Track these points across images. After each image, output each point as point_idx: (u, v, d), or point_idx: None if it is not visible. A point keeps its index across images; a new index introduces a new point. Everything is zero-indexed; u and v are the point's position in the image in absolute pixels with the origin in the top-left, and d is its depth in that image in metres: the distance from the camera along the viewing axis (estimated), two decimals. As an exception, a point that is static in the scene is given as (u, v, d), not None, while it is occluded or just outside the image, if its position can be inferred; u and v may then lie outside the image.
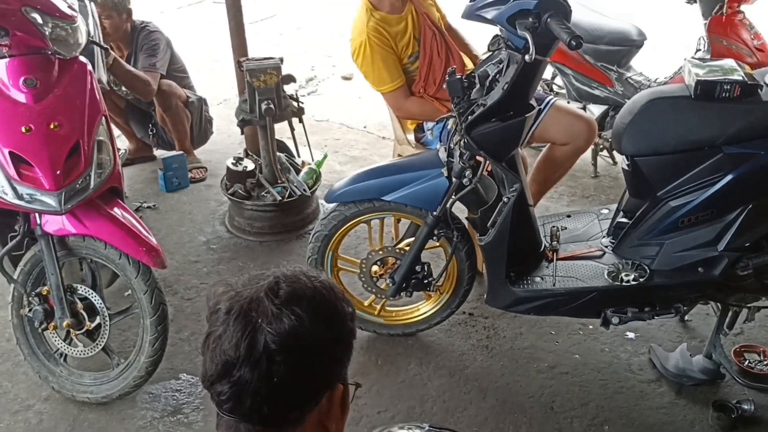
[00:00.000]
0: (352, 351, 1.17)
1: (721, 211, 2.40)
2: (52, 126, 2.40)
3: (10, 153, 2.37)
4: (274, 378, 1.04)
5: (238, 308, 1.07)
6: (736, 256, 2.41)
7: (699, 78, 2.32)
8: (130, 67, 4.02)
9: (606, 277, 2.54)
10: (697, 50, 3.93)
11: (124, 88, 4.20)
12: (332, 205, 2.82)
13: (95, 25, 3.22)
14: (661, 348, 2.87)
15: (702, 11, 3.89)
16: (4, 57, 2.44)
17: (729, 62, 2.44)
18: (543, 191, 3.26)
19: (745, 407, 2.54)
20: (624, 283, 2.50)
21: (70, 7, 2.60)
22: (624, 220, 2.64)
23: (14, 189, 2.38)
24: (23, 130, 2.37)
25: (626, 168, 2.52)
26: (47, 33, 2.46)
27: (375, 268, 2.85)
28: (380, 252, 2.84)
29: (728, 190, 2.35)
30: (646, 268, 2.52)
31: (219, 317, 1.09)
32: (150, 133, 4.43)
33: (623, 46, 4.02)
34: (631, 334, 3.01)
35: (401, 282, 2.74)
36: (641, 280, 2.49)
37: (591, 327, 3.05)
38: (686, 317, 3.03)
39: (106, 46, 3.45)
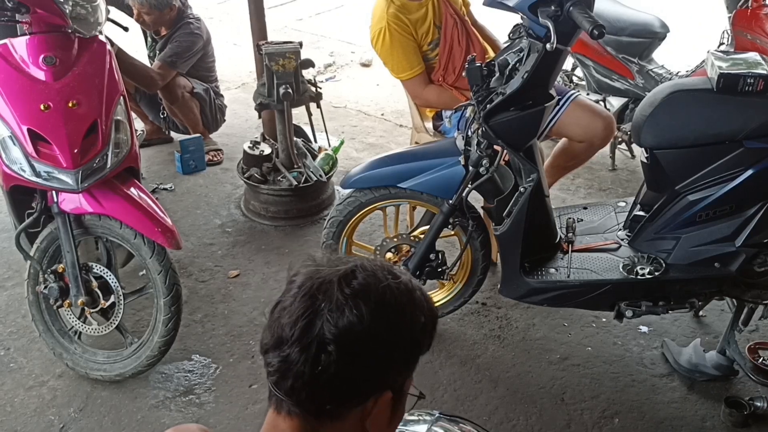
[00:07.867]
0: (415, 363, 1.13)
1: (739, 207, 2.38)
2: (70, 104, 2.41)
3: (29, 130, 2.39)
4: (319, 366, 1.03)
5: (309, 286, 1.06)
6: (753, 252, 2.39)
7: (722, 71, 2.29)
8: (135, 60, 4.00)
9: (621, 270, 2.52)
10: (721, 44, 3.87)
11: None
12: (348, 191, 2.81)
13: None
14: (675, 343, 2.85)
15: (726, 4, 3.84)
16: (25, 34, 2.46)
17: (753, 56, 2.41)
18: (555, 179, 3.26)
19: (758, 404, 2.52)
20: (639, 277, 2.48)
21: (91, -15, 2.61)
22: (641, 213, 2.62)
23: (32, 166, 2.41)
24: (42, 107, 2.39)
25: (645, 161, 2.50)
26: (68, 11, 2.47)
27: (389, 255, 2.84)
28: (395, 239, 2.84)
29: (748, 185, 2.32)
30: (662, 262, 2.50)
31: (291, 289, 1.08)
32: (161, 116, 4.44)
33: (645, 38, 3.98)
34: (644, 328, 3.00)
35: (415, 270, 2.73)
36: (656, 273, 2.47)
37: (604, 320, 3.04)
38: (701, 312, 3.01)
39: (127, 27, 3.44)
